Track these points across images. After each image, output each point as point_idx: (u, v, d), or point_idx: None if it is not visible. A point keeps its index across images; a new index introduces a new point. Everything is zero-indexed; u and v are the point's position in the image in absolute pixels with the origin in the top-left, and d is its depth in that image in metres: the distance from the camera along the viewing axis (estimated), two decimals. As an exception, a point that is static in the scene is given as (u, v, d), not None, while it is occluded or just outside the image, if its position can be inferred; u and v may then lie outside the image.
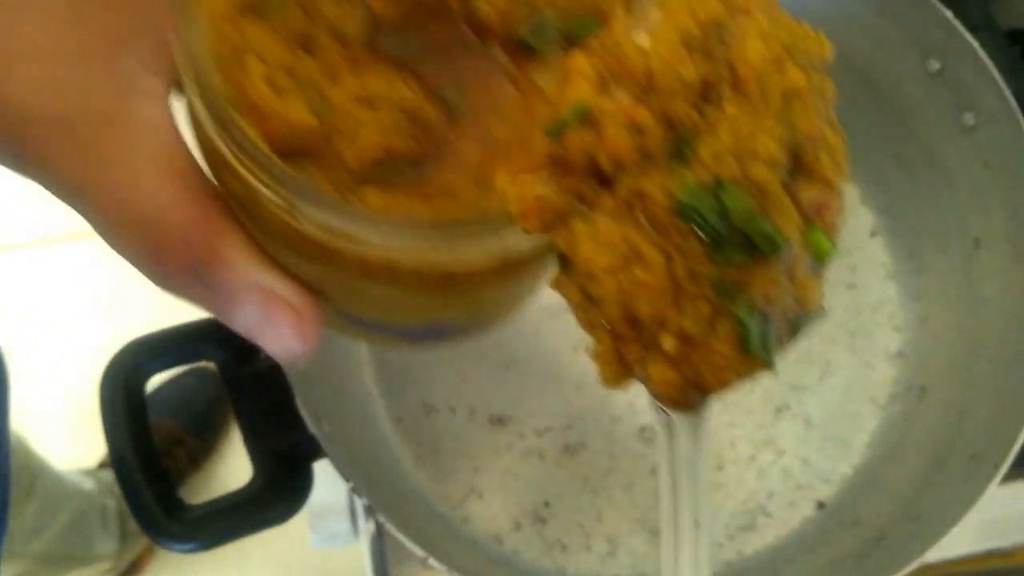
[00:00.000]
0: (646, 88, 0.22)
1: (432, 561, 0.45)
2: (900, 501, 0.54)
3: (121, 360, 0.45)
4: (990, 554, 0.93)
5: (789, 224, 0.23)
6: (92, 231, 0.24)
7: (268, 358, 0.48)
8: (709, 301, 0.22)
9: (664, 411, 0.26)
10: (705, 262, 0.22)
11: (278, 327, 0.25)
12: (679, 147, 0.22)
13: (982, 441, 0.50)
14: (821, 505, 0.58)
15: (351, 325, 0.31)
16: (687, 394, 0.25)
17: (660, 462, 0.27)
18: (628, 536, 0.57)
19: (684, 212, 0.22)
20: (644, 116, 0.22)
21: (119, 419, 0.43)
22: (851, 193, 0.64)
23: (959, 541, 0.53)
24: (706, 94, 0.22)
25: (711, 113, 0.22)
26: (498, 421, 0.60)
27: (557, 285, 0.24)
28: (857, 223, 0.63)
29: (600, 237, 0.22)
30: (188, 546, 0.44)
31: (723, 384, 0.24)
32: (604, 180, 0.22)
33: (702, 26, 0.22)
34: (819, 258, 0.25)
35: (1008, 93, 0.49)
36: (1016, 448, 0.45)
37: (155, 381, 1.32)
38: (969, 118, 0.53)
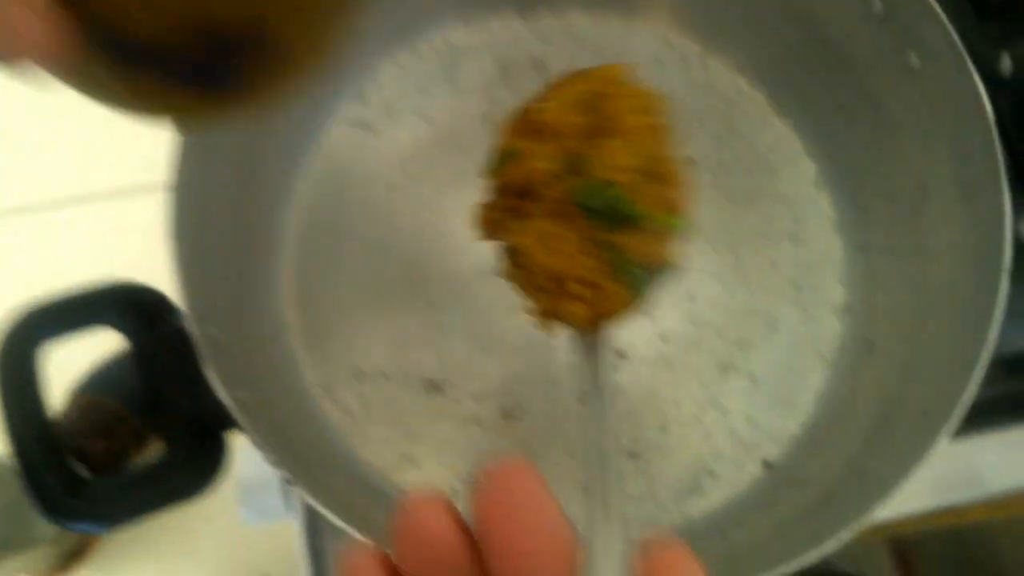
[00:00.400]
0: (548, 133, 0.37)
1: (357, 534, 0.42)
2: (847, 459, 0.52)
3: (12, 328, 0.42)
4: (943, 512, 0.92)
5: (649, 207, 0.36)
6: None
7: (176, 321, 0.45)
8: (602, 259, 0.36)
9: (580, 339, 0.39)
10: (596, 233, 0.36)
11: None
12: (575, 166, 0.36)
13: (931, 397, 0.48)
14: (769, 465, 0.56)
15: (104, 57, 0.25)
16: (595, 322, 0.38)
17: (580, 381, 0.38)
18: (571, 504, 0.55)
19: (579, 203, 0.36)
20: (548, 149, 0.37)
21: (10, 390, 0.40)
22: (793, 144, 0.61)
23: (910, 498, 0.51)
24: (594, 133, 0.37)
25: (598, 143, 0.36)
26: (433, 387, 0.57)
27: (507, 275, 0.40)
28: (800, 174, 0.61)
29: (529, 228, 0.37)
30: (90, 525, 0.41)
31: (614, 311, 0.38)
32: (530, 194, 0.37)
33: (583, 95, 0.37)
34: (672, 228, 0.38)
35: (953, 32, 0.47)
36: (962, 403, 0.43)
37: (94, 359, 1.29)
38: (914, 61, 0.50)
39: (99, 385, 1.35)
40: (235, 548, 1.30)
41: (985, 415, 0.46)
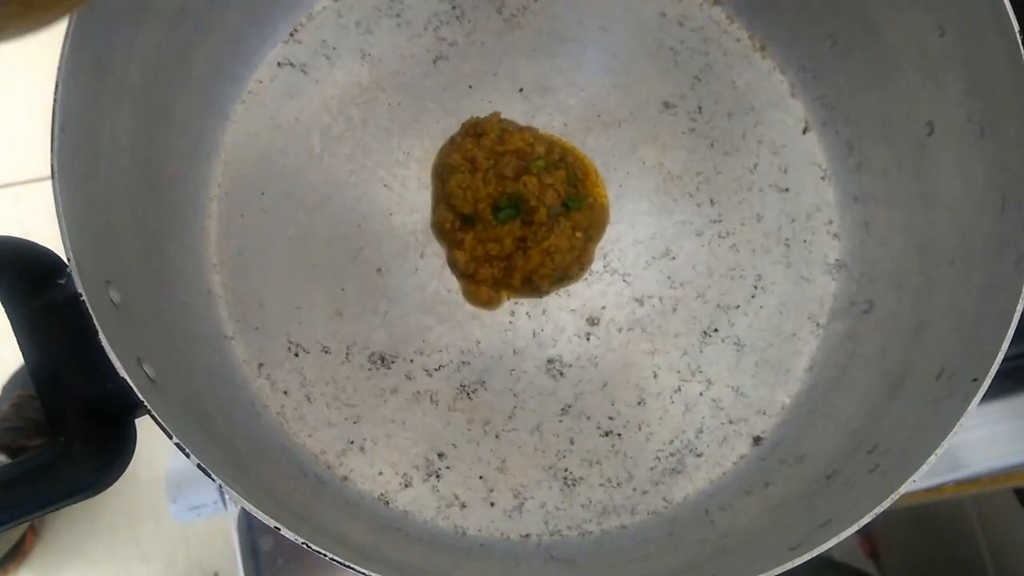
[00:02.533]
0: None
1: (287, 533, 0.35)
2: (851, 432, 0.46)
3: None
4: (915, 491, 0.88)
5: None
6: None
7: (68, 285, 0.38)
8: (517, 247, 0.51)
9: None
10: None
11: None
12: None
13: (950, 356, 0.42)
14: (758, 440, 0.50)
15: None
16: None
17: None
18: (537, 487, 0.49)
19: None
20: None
21: None
22: (779, 84, 0.55)
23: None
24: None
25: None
26: (380, 361, 0.50)
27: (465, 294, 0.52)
28: (786, 118, 0.55)
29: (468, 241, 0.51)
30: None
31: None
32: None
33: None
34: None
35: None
36: (999, 357, 0.37)
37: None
38: (921, -25, 0.45)
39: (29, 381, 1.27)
40: (183, 546, 1.24)
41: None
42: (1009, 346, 0.62)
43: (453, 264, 0.52)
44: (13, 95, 1.38)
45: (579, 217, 0.51)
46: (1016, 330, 0.62)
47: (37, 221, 1.31)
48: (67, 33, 0.37)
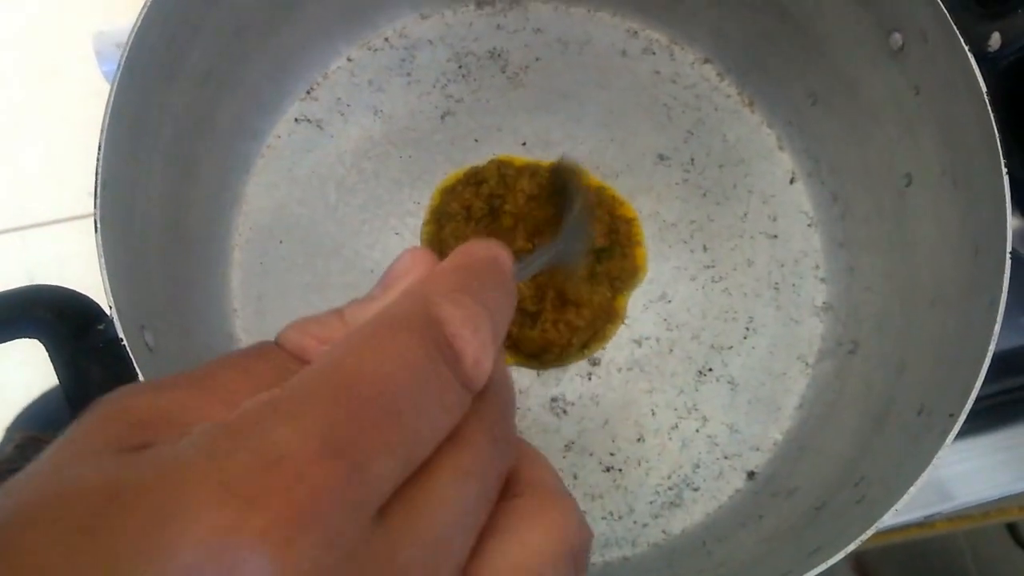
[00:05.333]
0: None
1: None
2: (839, 466, 0.49)
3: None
4: (908, 525, 0.90)
5: None
6: None
7: (107, 330, 0.41)
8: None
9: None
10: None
11: None
12: None
13: (930, 392, 0.45)
14: (752, 475, 0.53)
15: None
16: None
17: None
18: (542, 521, 0.51)
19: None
20: None
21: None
22: (767, 137, 0.59)
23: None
24: None
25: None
26: (392, 401, 0.53)
27: None
28: (774, 169, 0.58)
29: None
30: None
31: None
32: None
33: None
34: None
35: (941, 5, 0.44)
36: (973, 394, 0.40)
37: (28, 394, 1.23)
38: (896, 39, 0.48)
39: (37, 419, 1.28)
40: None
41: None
42: (1001, 381, 0.65)
43: None
44: (19, 140, 1.41)
45: (608, 268, 0.55)
46: (1007, 367, 0.65)
47: (44, 264, 1.34)
48: (109, 99, 0.40)
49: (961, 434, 0.60)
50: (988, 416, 0.64)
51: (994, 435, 0.66)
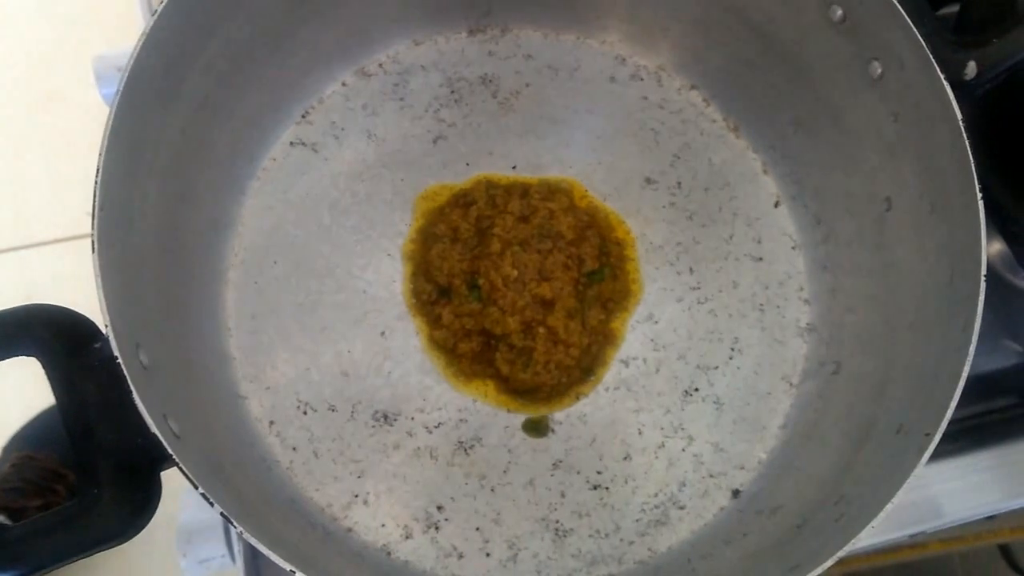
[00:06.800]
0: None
1: (300, 575, 0.38)
2: (821, 484, 0.50)
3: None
4: (901, 546, 0.91)
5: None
6: None
7: (103, 349, 0.41)
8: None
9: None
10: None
11: None
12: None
13: (909, 412, 0.46)
14: (736, 493, 0.54)
15: None
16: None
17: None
18: (530, 538, 0.52)
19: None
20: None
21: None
22: (751, 162, 0.60)
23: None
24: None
25: None
26: (384, 418, 0.54)
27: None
28: (759, 193, 0.60)
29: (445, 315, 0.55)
30: (6, 573, 0.37)
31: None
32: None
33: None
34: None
35: (918, 35, 0.45)
36: (948, 414, 0.41)
37: (25, 414, 1.24)
38: (876, 68, 0.49)
39: (33, 439, 1.28)
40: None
41: (943, 441, 0.45)
42: (989, 401, 0.66)
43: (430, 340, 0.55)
44: (20, 161, 1.42)
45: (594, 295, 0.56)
46: (995, 387, 0.66)
47: (43, 283, 1.35)
48: (108, 123, 0.42)
49: (950, 453, 0.62)
50: (976, 435, 0.65)
51: (982, 454, 0.66)
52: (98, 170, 0.41)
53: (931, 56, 0.45)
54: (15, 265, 1.39)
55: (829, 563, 0.39)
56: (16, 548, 0.38)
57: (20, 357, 0.41)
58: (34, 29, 1.48)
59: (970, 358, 0.43)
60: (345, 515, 0.52)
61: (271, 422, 0.53)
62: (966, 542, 0.91)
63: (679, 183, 0.59)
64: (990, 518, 0.70)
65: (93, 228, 0.40)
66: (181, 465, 0.38)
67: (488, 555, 0.52)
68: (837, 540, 0.41)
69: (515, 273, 0.53)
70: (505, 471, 0.53)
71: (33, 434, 1.29)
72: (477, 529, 0.52)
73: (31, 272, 1.38)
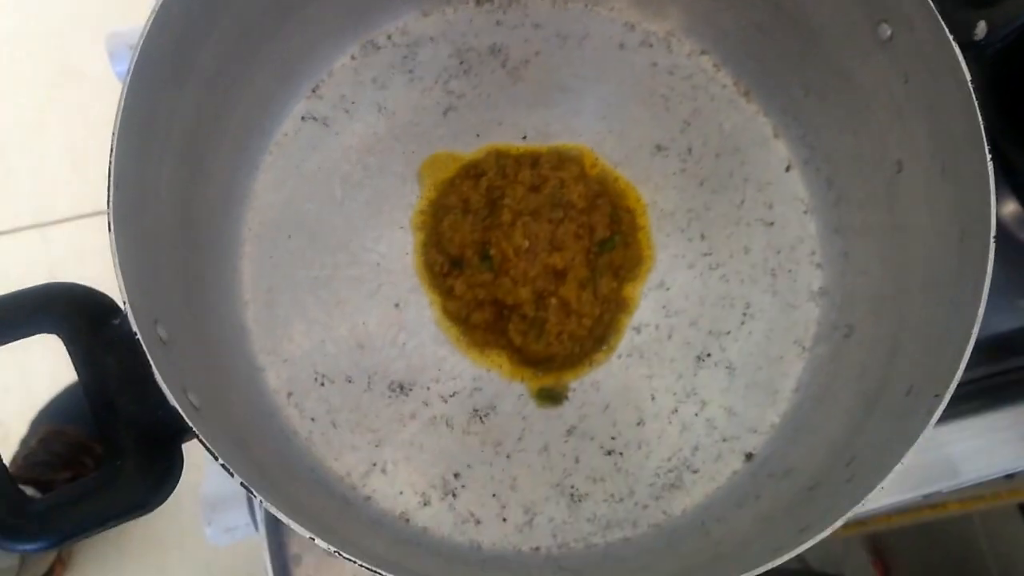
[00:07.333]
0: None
1: (321, 543, 0.39)
2: (832, 447, 0.50)
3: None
4: (919, 506, 0.91)
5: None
6: None
7: (122, 325, 0.42)
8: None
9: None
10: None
11: None
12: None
13: (919, 373, 0.46)
14: (749, 456, 0.54)
15: None
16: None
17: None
18: (546, 503, 0.53)
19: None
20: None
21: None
22: (762, 126, 0.60)
23: (884, 491, 0.50)
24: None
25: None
26: (400, 389, 0.54)
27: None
28: (770, 158, 0.59)
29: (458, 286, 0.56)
30: (34, 545, 0.38)
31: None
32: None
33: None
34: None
35: (928, -2, 0.45)
36: (958, 375, 0.41)
37: (52, 388, 1.25)
38: (885, 30, 0.49)
39: (60, 413, 1.31)
40: (209, 567, 1.27)
41: (958, 402, 0.45)
42: (1003, 362, 0.66)
43: (444, 310, 0.56)
44: (39, 138, 1.43)
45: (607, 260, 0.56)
46: (1008, 347, 0.66)
47: (65, 259, 1.36)
48: (121, 99, 0.42)
49: (967, 413, 0.62)
50: (993, 395, 0.65)
51: (998, 413, 0.67)
52: (112, 149, 0.41)
53: (940, 17, 0.45)
54: (37, 242, 1.41)
55: (839, 524, 0.40)
56: (42, 520, 0.39)
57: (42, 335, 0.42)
58: (50, 3, 1.49)
59: (979, 319, 0.43)
60: (364, 483, 0.53)
61: (289, 393, 0.54)
62: (985, 501, 0.91)
63: (690, 149, 0.59)
64: (1009, 477, 0.71)
65: (108, 206, 0.41)
66: (201, 437, 0.39)
67: (505, 520, 0.53)
68: (847, 501, 0.41)
69: (526, 243, 0.54)
70: (520, 438, 0.54)
71: (60, 408, 1.31)
72: (493, 495, 0.53)
73: (54, 249, 1.40)
